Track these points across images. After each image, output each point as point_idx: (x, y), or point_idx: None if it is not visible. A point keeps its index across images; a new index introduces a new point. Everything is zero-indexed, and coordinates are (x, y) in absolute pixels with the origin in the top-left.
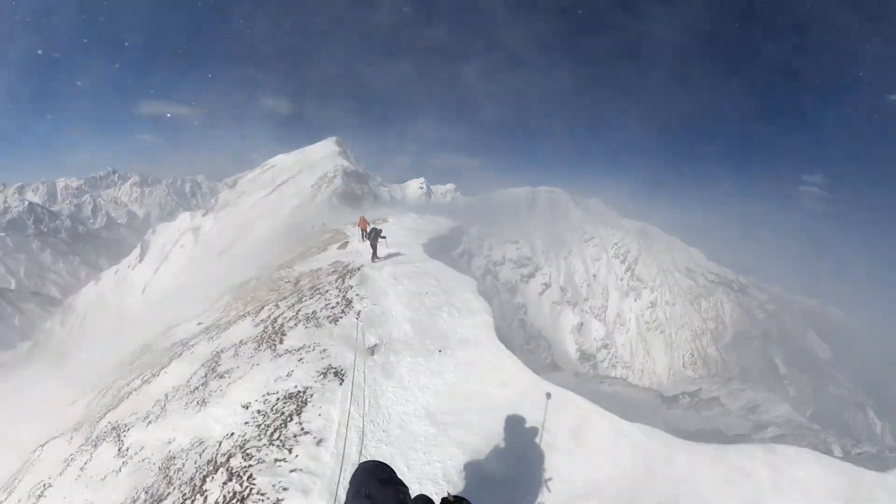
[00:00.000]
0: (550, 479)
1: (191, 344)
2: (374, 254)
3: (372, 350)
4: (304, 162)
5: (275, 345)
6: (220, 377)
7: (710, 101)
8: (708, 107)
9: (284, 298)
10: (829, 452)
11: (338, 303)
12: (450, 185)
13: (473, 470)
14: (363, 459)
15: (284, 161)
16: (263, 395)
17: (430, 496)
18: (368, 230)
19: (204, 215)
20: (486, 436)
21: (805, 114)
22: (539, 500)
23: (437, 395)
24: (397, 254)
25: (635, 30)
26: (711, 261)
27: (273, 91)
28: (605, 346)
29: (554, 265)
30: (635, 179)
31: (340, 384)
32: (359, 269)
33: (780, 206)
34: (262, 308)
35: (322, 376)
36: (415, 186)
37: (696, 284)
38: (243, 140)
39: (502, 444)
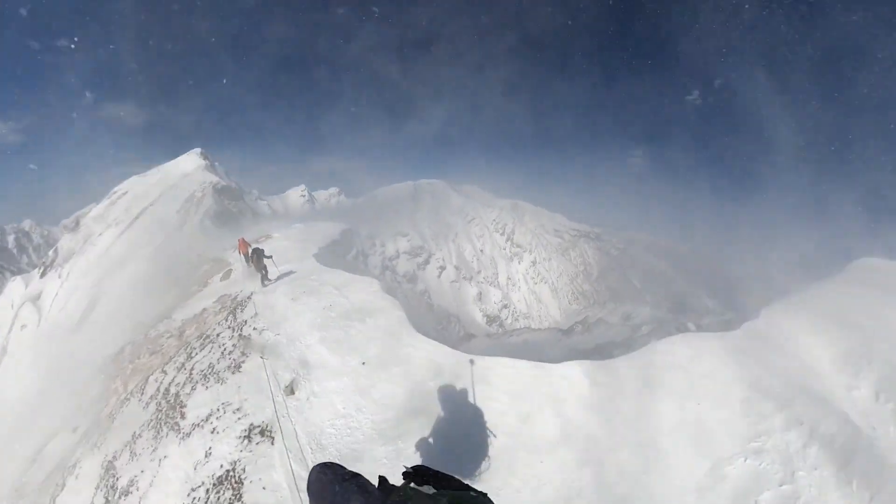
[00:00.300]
0: (484, 417)
1: (72, 465)
2: (264, 276)
3: (291, 388)
4: (165, 183)
5: (177, 423)
6: (126, 494)
7: (557, 93)
8: (555, 97)
9: (171, 359)
10: (686, 330)
11: (234, 345)
12: (333, 189)
13: (440, 452)
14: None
15: (139, 185)
16: (189, 494)
17: (386, 477)
18: (250, 252)
19: (43, 276)
20: (436, 421)
21: (624, 104)
22: (483, 432)
23: (380, 408)
24: (290, 271)
25: (488, 25)
26: (572, 221)
27: (117, 94)
28: (505, 307)
29: (445, 249)
30: (504, 163)
31: (272, 443)
32: (249, 297)
33: (616, 172)
34: (147, 380)
35: (247, 441)
36: (296, 195)
37: (563, 241)
38: (82, 163)
39: (451, 419)
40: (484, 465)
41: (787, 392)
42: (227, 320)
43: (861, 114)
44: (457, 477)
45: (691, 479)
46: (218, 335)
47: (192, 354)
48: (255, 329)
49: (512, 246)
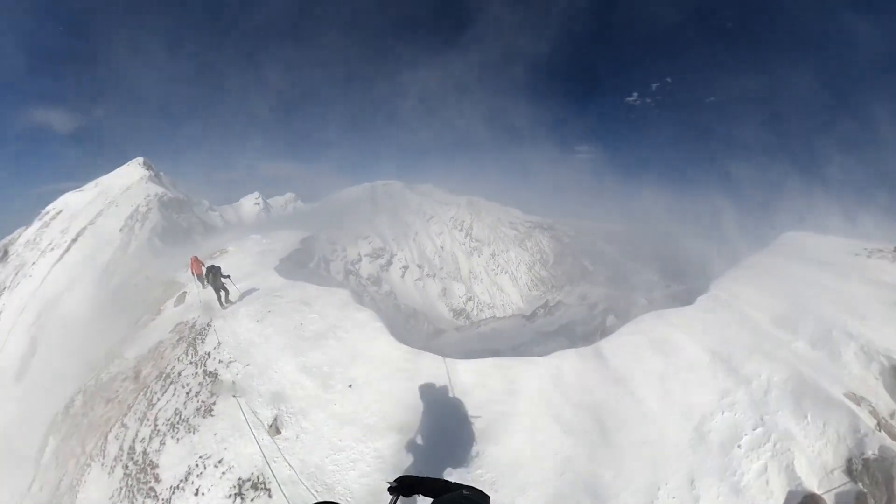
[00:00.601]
0: (462, 406)
1: None
2: (224, 298)
3: (276, 427)
4: (105, 198)
5: (152, 489)
6: None
7: (505, 94)
8: (505, 99)
9: (130, 408)
10: (637, 303)
11: (201, 384)
12: (289, 195)
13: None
14: None
15: (75, 202)
16: None
17: None
18: (204, 271)
19: None
20: (439, 432)
21: (569, 104)
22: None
23: (378, 433)
24: (251, 289)
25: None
26: (527, 213)
27: (43, 97)
28: (470, 299)
29: (406, 248)
30: (459, 161)
31: (269, 496)
32: (209, 324)
33: (565, 166)
34: (107, 438)
35: (239, 500)
36: (250, 203)
37: (518, 232)
38: (5, 179)
39: (454, 426)
40: (490, 459)
41: (743, 352)
42: (187, 354)
43: (787, 106)
44: (445, 478)
45: (684, 439)
46: (180, 374)
47: (154, 400)
48: (220, 362)
49: (471, 241)
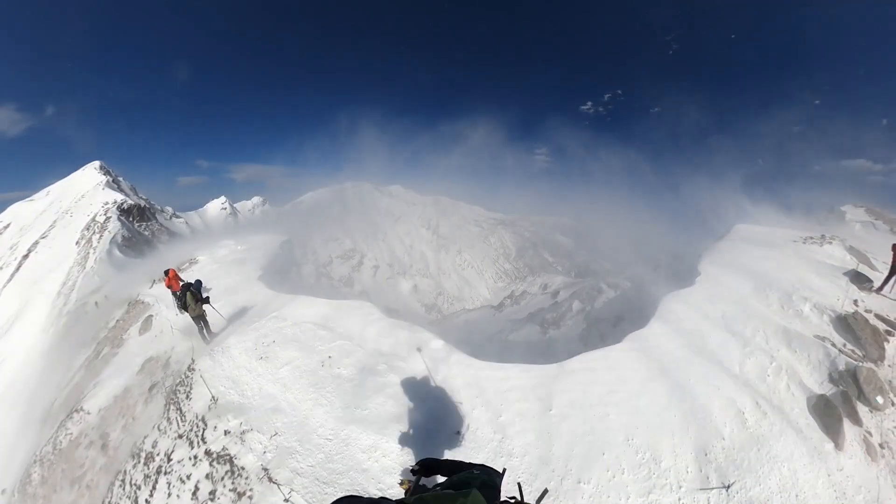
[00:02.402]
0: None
1: None
2: (205, 329)
3: None
4: (58, 207)
5: None
6: None
7: (469, 96)
8: (467, 100)
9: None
10: (601, 291)
11: (212, 477)
12: (256, 199)
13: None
14: None
15: (26, 212)
16: None
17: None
18: (180, 290)
19: None
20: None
21: (530, 109)
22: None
23: None
24: (238, 310)
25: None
26: (489, 210)
27: None
28: (440, 294)
29: (376, 248)
30: (427, 162)
31: None
32: (192, 368)
33: (525, 167)
34: None
35: None
36: (216, 208)
37: (482, 229)
38: None
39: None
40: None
41: (742, 316)
42: (171, 422)
43: (720, 116)
44: (462, 460)
45: (739, 376)
46: (170, 458)
47: (133, 489)
48: (228, 434)
49: (438, 238)
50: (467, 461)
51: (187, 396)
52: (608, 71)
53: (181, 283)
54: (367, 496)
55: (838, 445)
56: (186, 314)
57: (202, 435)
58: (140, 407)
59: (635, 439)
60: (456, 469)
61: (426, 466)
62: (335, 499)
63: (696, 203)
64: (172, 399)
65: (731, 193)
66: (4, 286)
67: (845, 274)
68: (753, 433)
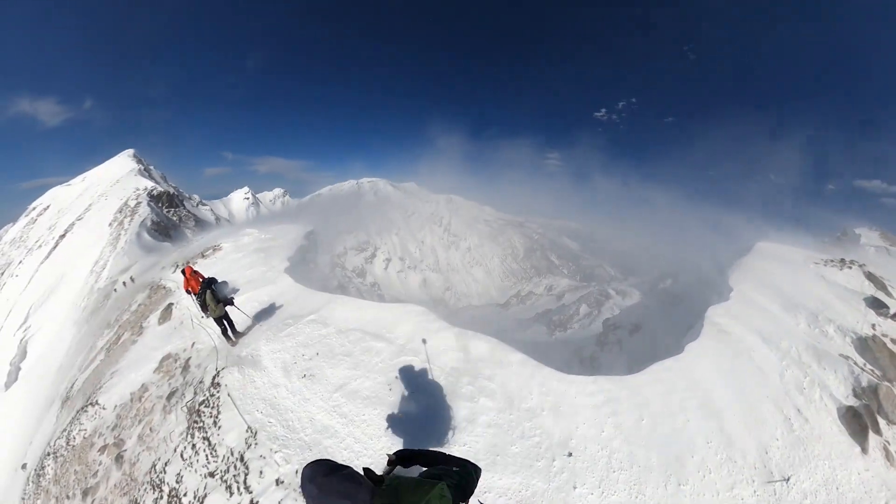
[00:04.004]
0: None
1: None
2: (230, 331)
3: None
4: (93, 192)
5: None
6: None
7: (484, 99)
8: (482, 103)
9: None
10: (609, 296)
11: None
12: (277, 191)
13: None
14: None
15: (64, 196)
16: None
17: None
18: (200, 288)
19: None
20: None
21: (542, 113)
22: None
23: None
24: (266, 308)
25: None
26: (500, 211)
27: (31, 87)
28: (448, 289)
29: (389, 242)
30: (442, 162)
31: None
32: (216, 381)
33: (536, 170)
34: None
35: None
36: (240, 198)
37: (492, 229)
38: None
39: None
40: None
41: (777, 331)
42: (196, 450)
43: (734, 131)
44: (436, 449)
45: (780, 389)
46: (196, 495)
47: None
48: (282, 486)
49: (449, 235)
50: (449, 454)
51: (215, 422)
52: (624, 78)
53: (201, 281)
54: (342, 463)
55: (864, 450)
56: (208, 317)
57: (244, 481)
58: (157, 416)
59: (713, 442)
60: (434, 461)
61: (403, 458)
62: (310, 462)
63: (705, 215)
64: (197, 423)
65: (742, 207)
66: (42, 262)
67: (864, 299)
68: (799, 436)
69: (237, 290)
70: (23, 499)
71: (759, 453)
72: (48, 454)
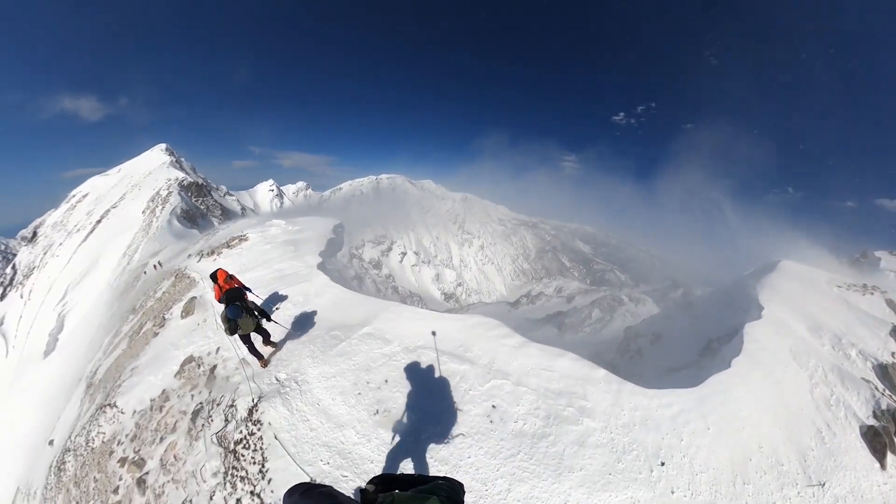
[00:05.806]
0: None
1: None
2: (262, 344)
3: None
4: (128, 182)
5: None
6: None
7: (503, 102)
8: (500, 107)
9: None
10: (621, 302)
11: None
12: (300, 184)
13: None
14: None
15: (101, 185)
16: None
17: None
18: (226, 296)
19: (2, 298)
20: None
21: (561, 118)
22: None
23: None
24: (308, 312)
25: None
26: (514, 211)
27: (73, 85)
28: (460, 285)
29: (405, 237)
30: (458, 162)
31: None
32: (254, 414)
33: (552, 172)
34: None
35: None
36: (265, 189)
37: (506, 228)
38: (33, 164)
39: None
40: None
41: (805, 350)
42: (239, 502)
43: (754, 140)
44: (420, 473)
45: (811, 405)
46: None
47: None
48: None
49: (463, 233)
50: (428, 475)
51: (261, 473)
52: (643, 83)
53: (230, 288)
54: (325, 485)
55: (883, 466)
56: (235, 335)
57: None
58: (182, 440)
59: (764, 447)
60: (417, 483)
61: (385, 482)
62: (291, 486)
63: (719, 226)
64: (236, 469)
65: (757, 219)
66: (80, 245)
67: (885, 327)
68: (829, 448)
69: (277, 309)
70: (46, 486)
71: (798, 460)
72: (68, 449)
